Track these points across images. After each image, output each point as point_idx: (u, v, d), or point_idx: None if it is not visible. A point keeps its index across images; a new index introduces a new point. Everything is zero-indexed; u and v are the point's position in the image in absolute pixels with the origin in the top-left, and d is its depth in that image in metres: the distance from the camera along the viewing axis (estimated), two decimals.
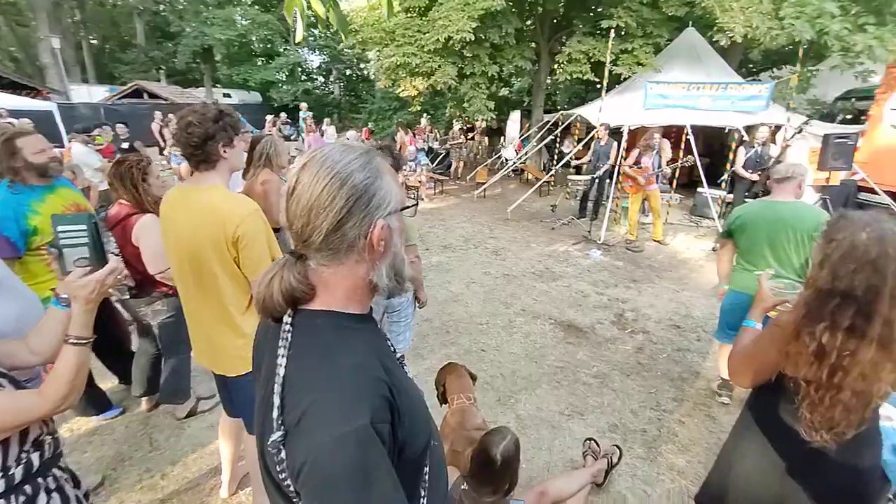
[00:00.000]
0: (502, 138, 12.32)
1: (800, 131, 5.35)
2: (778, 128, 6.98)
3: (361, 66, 22.64)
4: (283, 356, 0.71)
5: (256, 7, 20.01)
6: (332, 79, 23.01)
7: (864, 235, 1.11)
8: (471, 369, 2.13)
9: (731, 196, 6.37)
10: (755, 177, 5.95)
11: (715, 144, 10.90)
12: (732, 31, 6.22)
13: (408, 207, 0.80)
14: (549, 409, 2.83)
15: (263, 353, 0.80)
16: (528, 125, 11.24)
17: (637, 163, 6.06)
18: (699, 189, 7.45)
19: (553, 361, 3.34)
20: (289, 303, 0.75)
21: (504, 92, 17.51)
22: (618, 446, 2.42)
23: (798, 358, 1.19)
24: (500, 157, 11.38)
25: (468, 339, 3.62)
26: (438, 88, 9.07)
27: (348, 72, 23.17)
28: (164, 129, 10.28)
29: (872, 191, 6.22)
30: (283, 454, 0.66)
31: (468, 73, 8.85)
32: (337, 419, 0.63)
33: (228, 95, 19.39)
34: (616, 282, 4.89)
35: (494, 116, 10.72)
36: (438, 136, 12.76)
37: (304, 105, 13.23)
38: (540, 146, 9.85)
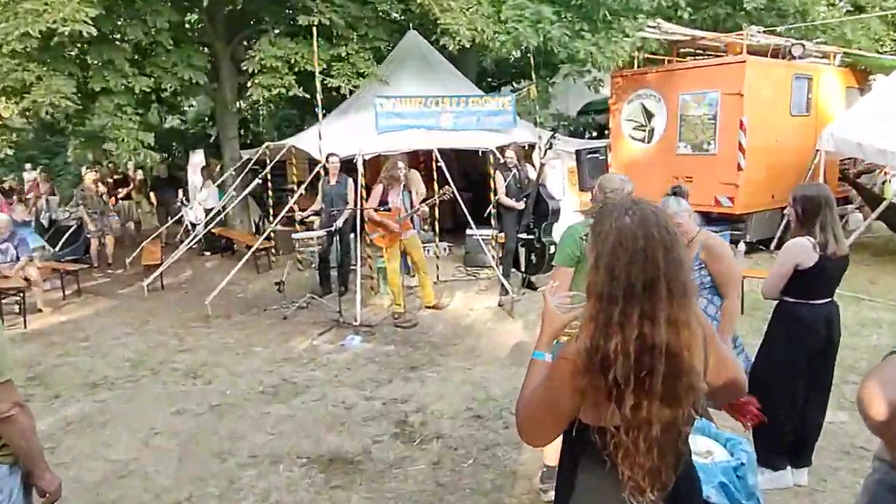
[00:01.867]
0: (180, 192, 11.94)
1: (550, 147, 6.97)
2: (532, 147, 9.01)
3: None
4: None
5: None
6: None
7: (629, 220, 1.41)
8: None
9: (503, 235, 7.68)
10: (520, 205, 7.35)
11: (474, 174, 13.08)
12: (458, 34, 7.80)
13: None
14: None
15: None
16: (218, 167, 11.17)
17: (383, 203, 6.69)
18: (468, 232, 8.74)
19: None
20: None
21: (174, 121, 17.28)
22: None
23: (597, 395, 1.39)
24: (181, 223, 10.96)
25: None
26: (45, 116, 8.16)
27: None
28: None
29: None
30: None
31: (98, 90, 8.29)
32: None
33: None
34: (390, 375, 5.14)
35: (160, 159, 10.30)
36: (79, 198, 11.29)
37: None
38: (244, 195, 9.83)
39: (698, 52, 10.05)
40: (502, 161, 7.59)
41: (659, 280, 1.36)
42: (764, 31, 9.50)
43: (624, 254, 1.38)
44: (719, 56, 9.53)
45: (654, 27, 8.79)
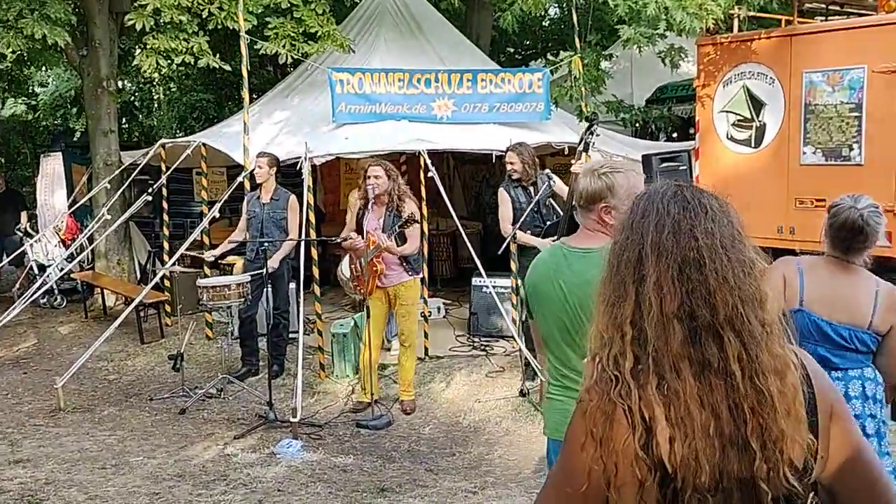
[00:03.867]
0: (24, 217, 12.14)
1: (586, 148, 7.03)
2: (572, 152, 9.04)
3: None
4: None
5: None
6: None
7: (663, 188, 1.56)
8: None
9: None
10: (544, 242, 7.17)
11: (486, 196, 13.19)
12: None
13: None
14: None
15: None
16: (85, 176, 11.33)
17: (358, 229, 6.76)
18: (475, 282, 8.81)
19: None
20: None
21: (16, 107, 17.46)
22: None
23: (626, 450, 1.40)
24: (24, 263, 11.09)
25: None
26: None
27: None
28: None
29: None
30: None
31: None
32: None
33: None
34: (346, 502, 5.13)
35: None
36: None
37: None
38: (125, 220, 9.88)
39: (832, 8, 10.23)
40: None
41: (702, 261, 1.43)
42: None
43: (645, 220, 1.51)
44: (865, 14, 9.70)
45: None
